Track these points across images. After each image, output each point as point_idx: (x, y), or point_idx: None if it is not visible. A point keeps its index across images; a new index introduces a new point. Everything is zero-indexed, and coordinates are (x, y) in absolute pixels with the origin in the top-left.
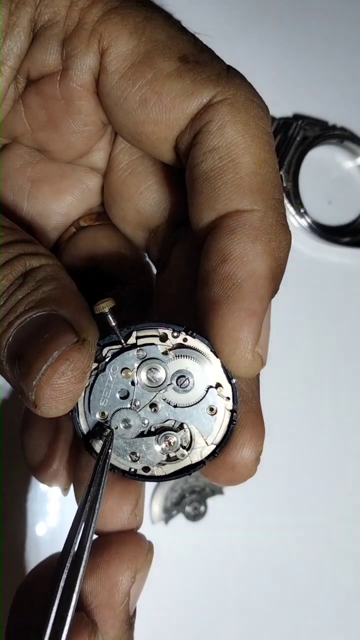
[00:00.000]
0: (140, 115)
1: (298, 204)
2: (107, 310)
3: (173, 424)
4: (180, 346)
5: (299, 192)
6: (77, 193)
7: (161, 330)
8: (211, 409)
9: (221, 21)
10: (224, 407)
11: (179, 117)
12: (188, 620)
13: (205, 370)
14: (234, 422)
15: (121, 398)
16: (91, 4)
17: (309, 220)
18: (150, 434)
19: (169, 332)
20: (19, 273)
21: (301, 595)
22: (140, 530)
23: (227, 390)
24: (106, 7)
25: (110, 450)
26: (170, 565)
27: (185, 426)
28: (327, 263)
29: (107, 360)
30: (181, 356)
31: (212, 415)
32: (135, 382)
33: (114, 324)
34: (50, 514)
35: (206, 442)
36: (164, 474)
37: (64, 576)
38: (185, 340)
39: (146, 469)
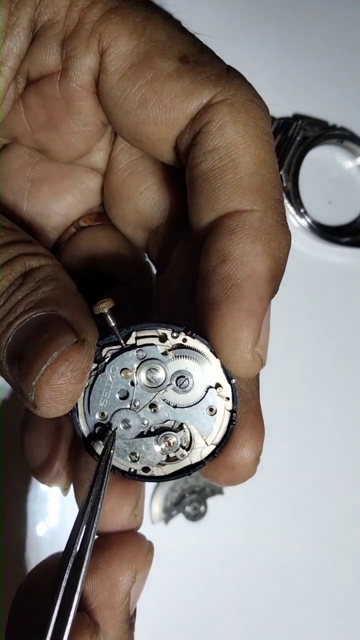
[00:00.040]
0: (140, 115)
1: (298, 204)
2: (106, 311)
3: (173, 424)
4: (179, 346)
5: (299, 192)
6: (77, 193)
7: (161, 331)
8: (211, 409)
9: (221, 21)
10: (223, 408)
11: (179, 118)
12: (188, 620)
13: (205, 370)
14: (234, 423)
15: (121, 398)
16: (91, 4)
17: (309, 220)
18: (149, 434)
19: (168, 332)
20: (19, 273)
21: (301, 595)
22: (140, 530)
23: (226, 390)
24: (106, 7)
25: (112, 451)
26: (170, 565)
27: (184, 426)
28: (327, 263)
29: (106, 360)
30: (181, 356)
31: (211, 415)
32: (135, 382)
33: (113, 324)
34: (50, 514)
35: (206, 443)
36: (163, 474)
37: (66, 576)
38: (184, 340)
39: (146, 469)
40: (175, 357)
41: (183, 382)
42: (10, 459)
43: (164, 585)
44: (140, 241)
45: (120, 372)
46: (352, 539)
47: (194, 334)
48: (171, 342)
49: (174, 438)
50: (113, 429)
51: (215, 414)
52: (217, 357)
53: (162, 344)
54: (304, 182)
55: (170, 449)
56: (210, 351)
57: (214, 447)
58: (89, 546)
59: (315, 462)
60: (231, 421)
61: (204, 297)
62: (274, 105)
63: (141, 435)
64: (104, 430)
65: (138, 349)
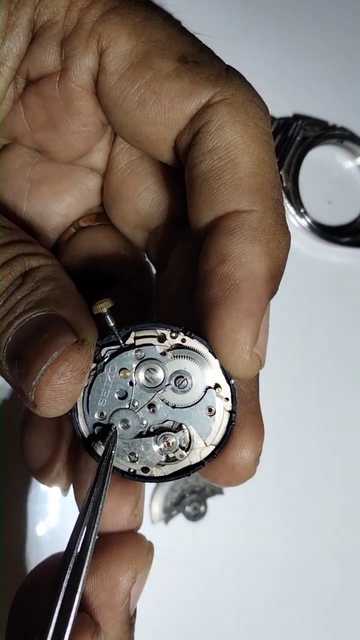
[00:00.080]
0: (139, 115)
1: (298, 204)
2: (105, 311)
3: (172, 424)
4: (178, 347)
5: (299, 192)
6: (76, 193)
7: (159, 331)
8: (210, 410)
9: (221, 21)
10: (222, 408)
11: (178, 118)
12: (188, 620)
13: (204, 371)
14: (233, 423)
15: (119, 398)
16: (90, 4)
17: (309, 220)
18: (149, 434)
19: (167, 332)
20: (18, 273)
21: (301, 595)
22: (140, 530)
23: (225, 391)
24: (105, 8)
25: (113, 452)
26: (170, 565)
27: (184, 427)
28: (327, 263)
29: (105, 360)
30: (179, 357)
31: (210, 416)
32: (134, 382)
33: (112, 324)
34: (51, 514)
35: (205, 443)
36: (163, 474)
37: (67, 577)
38: (183, 340)
39: (145, 469)
40: (174, 357)
41: (182, 383)
42: (10, 459)
43: (164, 585)
44: (140, 241)
45: (119, 372)
46: (353, 539)
47: (192, 334)
48: (170, 342)
49: (173, 438)
50: (114, 429)
51: (214, 414)
52: (216, 357)
53: (161, 344)
54: (304, 182)
55: (170, 450)
56: (209, 351)
57: (214, 447)
58: (90, 547)
59: (316, 462)
60: (230, 422)
61: (203, 298)
62: (274, 105)
63: (140, 435)
64: (103, 430)
65: (137, 349)
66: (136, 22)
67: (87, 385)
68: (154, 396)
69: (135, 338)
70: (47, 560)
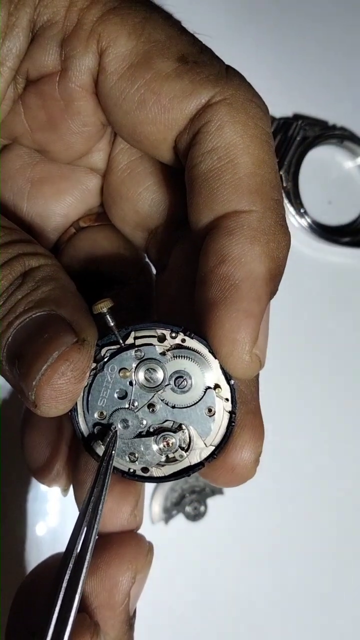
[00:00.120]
0: (139, 115)
1: (298, 204)
2: (105, 311)
3: (171, 424)
4: (178, 347)
5: (299, 192)
6: (76, 194)
7: (159, 331)
8: (210, 410)
9: (221, 21)
10: (222, 409)
11: (178, 118)
12: (188, 620)
13: (204, 371)
14: (233, 424)
15: (119, 398)
16: (90, 5)
17: (309, 220)
18: (148, 434)
19: (167, 332)
20: (18, 273)
21: (301, 595)
22: (140, 531)
23: (225, 391)
24: (105, 8)
25: (114, 452)
26: (170, 565)
27: (183, 427)
28: (327, 263)
29: (105, 360)
30: (179, 357)
31: (210, 416)
32: (133, 382)
33: (112, 324)
34: (51, 514)
35: (205, 444)
36: (162, 475)
37: (67, 577)
38: (183, 340)
39: (145, 469)
40: (174, 357)
41: (181, 383)
42: (10, 459)
43: (164, 585)
44: (140, 241)
45: (119, 372)
46: (353, 539)
47: (192, 335)
48: (170, 342)
49: (172, 439)
50: (114, 429)
51: (214, 415)
52: (215, 357)
53: (161, 344)
54: (304, 182)
55: (169, 450)
56: (209, 352)
57: (213, 448)
58: (90, 547)
59: (316, 462)
60: (230, 422)
61: (203, 298)
62: (274, 105)
63: (140, 435)
64: (103, 430)
65: (136, 348)
66: (136, 22)
67: (87, 385)
68: (153, 396)
69: (135, 338)
70: (47, 560)
